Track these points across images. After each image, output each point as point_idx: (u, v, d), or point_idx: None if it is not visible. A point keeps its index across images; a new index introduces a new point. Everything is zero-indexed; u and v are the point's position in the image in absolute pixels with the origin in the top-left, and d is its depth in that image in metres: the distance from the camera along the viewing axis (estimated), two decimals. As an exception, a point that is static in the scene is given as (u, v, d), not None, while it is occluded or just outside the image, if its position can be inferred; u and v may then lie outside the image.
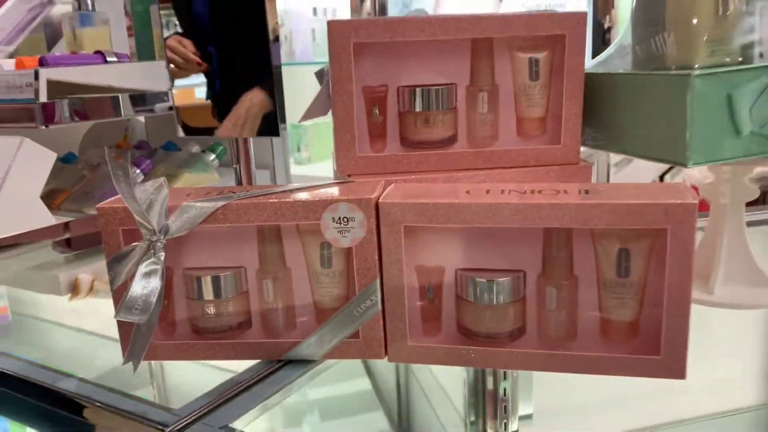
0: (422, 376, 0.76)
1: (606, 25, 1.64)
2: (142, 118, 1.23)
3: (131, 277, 0.59)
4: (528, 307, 0.59)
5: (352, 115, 0.68)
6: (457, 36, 0.66)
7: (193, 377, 0.70)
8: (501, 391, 0.64)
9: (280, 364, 0.62)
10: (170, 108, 0.85)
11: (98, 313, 0.78)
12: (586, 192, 0.56)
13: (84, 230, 0.89)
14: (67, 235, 0.86)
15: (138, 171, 0.96)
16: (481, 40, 0.68)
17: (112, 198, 0.63)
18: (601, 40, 1.61)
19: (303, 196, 0.59)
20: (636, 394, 0.64)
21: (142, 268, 0.58)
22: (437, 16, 0.69)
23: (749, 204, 0.73)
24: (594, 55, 1.35)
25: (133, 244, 0.59)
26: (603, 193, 0.56)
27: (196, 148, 1.06)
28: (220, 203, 0.59)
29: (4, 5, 1.24)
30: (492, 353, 0.59)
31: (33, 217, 0.79)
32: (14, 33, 1.08)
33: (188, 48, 0.82)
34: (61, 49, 1.16)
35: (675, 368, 0.55)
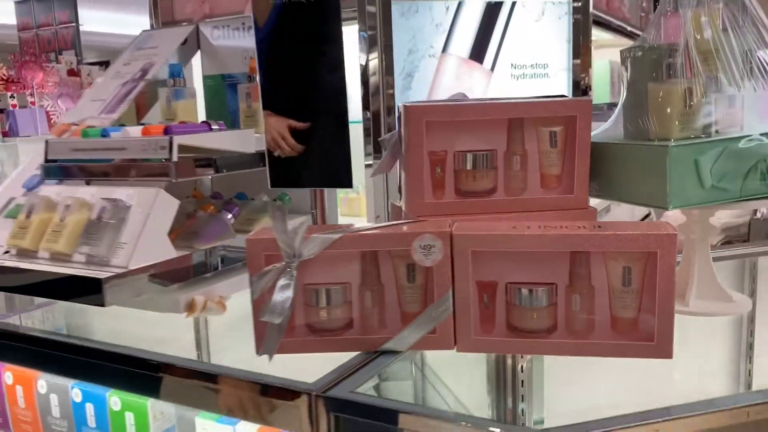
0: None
1: (583, 87, 1.94)
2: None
3: (268, 290, 0.81)
4: (558, 310, 0.83)
5: (422, 172, 0.92)
6: (498, 116, 0.91)
7: (304, 367, 0.90)
8: (519, 368, 0.86)
9: (375, 355, 0.84)
10: (263, 165, 1.08)
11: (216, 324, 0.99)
12: (598, 227, 0.80)
13: (185, 263, 1.10)
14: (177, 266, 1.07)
15: (230, 216, 1.18)
16: (515, 118, 0.93)
17: (255, 231, 0.85)
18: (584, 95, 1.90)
19: (395, 230, 0.83)
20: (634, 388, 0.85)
21: (281, 282, 0.81)
22: (484, 102, 0.94)
23: (722, 245, 0.98)
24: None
25: (273, 264, 0.81)
26: (610, 227, 0.80)
27: (265, 198, 1.28)
28: (338, 235, 0.82)
29: (96, 82, 1.48)
30: (533, 344, 0.81)
31: (163, 251, 1.01)
32: (114, 103, 1.31)
33: (287, 137, 1.05)
34: (155, 115, 1.39)
35: (665, 351, 0.78)
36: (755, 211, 3.06)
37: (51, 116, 4.67)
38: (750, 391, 0.85)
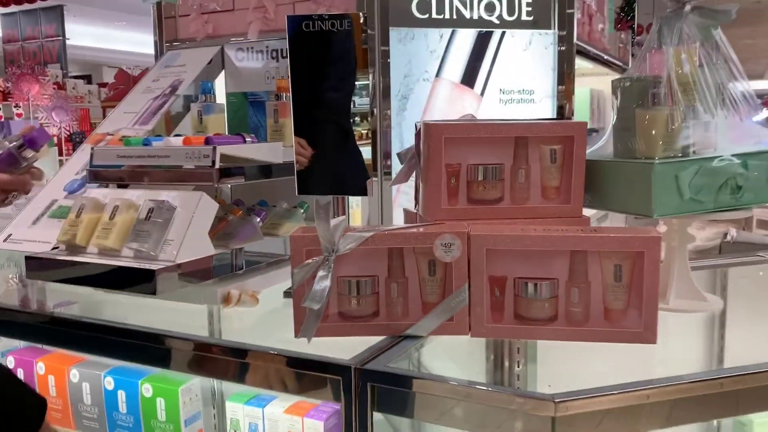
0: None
1: (566, 113, 2.10)
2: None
3: (307, 281, 0.93)
4: (559, 301, 0.96)
5: (439, 182, 1.05)
6: (506, 135, 1.05)
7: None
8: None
9: (400, 339, 0.96)
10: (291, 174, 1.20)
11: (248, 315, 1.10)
12: (594, 231, 0.94)
13: (221, 261, 1.22)
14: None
15: (258, 219, 1.29)
16: (521, 137, 1.07)
17: (298, 229, 0.97)
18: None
19: (419, 230, 0.95)
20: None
21: (320, 274, 0.93)
22: (494, 122, 1.07)
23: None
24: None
25: (313, 258, 0.94)
26: (604, 230, 0.93)
27: (286, 205, 1.40)
28: (370, 233, 0.94)
29: (127, 96, 1.59)
30: (537, 330, 0.94)
31: (204, 249, 1.12)
32: (147, 115, 1.42)
33: (307, 149, 1.18)
34: (184, 128, 1.50)
35: (650, 337, 0.91)
36: (725, 234, 3.26)
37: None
38: (721, 368, 0.98)
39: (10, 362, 1.51)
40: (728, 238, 3.25)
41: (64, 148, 5.13)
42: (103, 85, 7.31)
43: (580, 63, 2.46)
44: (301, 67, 1.15)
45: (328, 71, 1.15)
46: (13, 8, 8.09)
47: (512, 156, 1.08)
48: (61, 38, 9.19)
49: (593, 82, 3.28)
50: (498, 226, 1.00)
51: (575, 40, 2.09)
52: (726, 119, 1.04)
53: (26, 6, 8.12)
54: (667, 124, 1.01)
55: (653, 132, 1.01)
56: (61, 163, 4.87)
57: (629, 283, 0.93)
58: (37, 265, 1.17)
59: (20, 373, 1.47)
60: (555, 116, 2.09)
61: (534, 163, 1.08)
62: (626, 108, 1.08)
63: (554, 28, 2.05)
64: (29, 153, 1.05)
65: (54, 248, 1.21)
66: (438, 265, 0.97)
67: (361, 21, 1.23)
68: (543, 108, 2.16)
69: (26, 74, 4.83)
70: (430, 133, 1.04)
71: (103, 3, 10.36)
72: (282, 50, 1.63)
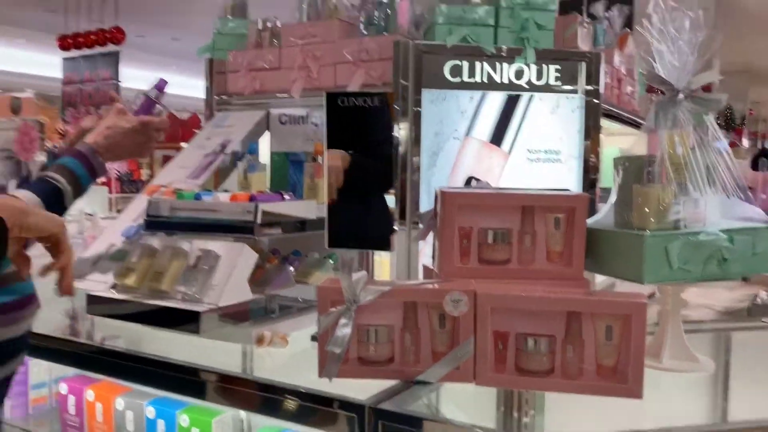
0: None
1: (591, 173, 2.20)
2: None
3: (331, 327, 1.06)
4: (556, 356, 1.06)
5: (452, 243, 1.17)
6: (515, 204, 1.18)
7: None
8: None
9: (412, 383, 1.08)
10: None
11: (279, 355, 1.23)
12: (589, 294, 1.05)
13: (257, 305, 1.36)
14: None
15: (292, 268, 1.43)
16: (528, 205, 1.19)
17: (325, 279, 1.11)
18: (589, 184, 2.16)
19: (432, 286, 1.08)
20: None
21: (342, 321, 1.06)
22: (504, 191, 1.20)
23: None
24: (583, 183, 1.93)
25: (337, 307, 1.07)
26: (598, 294, 1.04)
27: (317, 255, 1.54)
28: (388, 287, 1.07)
29: (182, 152, 1.77)
30: (535, 382, 1.05)
31: (243, 294, 1.26)
32: (198, 171, 1.59)
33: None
34: (230, 183, 1.67)
35: (637, 392, 1.01)
36: (755, 296, 3.28)
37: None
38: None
39: (62, 388, 1.66)
40: (758, 300, 3.27)
41: (113, 186, 5.41)
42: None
43: (609, 123, 2.58)
44: (336, 137, 1.30)
45: (361, 142, 1.30)
46: (74, 52, 8.58)
47: (520, 220, 1.20)
48: (115, 81, 9.69)
49: (623, 141, 3.38)
50: (504, 285, 1.12)
51: (602, 103, 2.23)
52: (715, 196, 1.15)
53: (86, 51, 8.62)
54: (660, 200, 1.12)
55: (647, 207, 1.13)
56: (109, 201, 5.14)
57: (619, 342, 1.04)
58: (97, 302, 1.33)
59: (71, 400, 1.62)
60: (581, 176, 2.20)
61: (540, 228, 1.20)
62: (625, 184, 1.20)
63: (581, 93, 2.19)
64: (160, 97, 1.37)
65: (112, 287, 1.37)
66: (447, 318, 1.09)
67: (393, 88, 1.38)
68: (569, 167, 2.28)
69: (83, 118, 5.16)
70: (445, 199, 1.17)
71: (156, 49, 10.92)
72: (320, 116, 1.80)
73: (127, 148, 1.25)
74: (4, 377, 0.78)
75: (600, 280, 1.62)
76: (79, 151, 1.18)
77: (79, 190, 1.15)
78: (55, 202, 1.08)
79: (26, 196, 1.03)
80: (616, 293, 1.06)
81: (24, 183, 1.16)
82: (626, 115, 2.86)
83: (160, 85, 1.37)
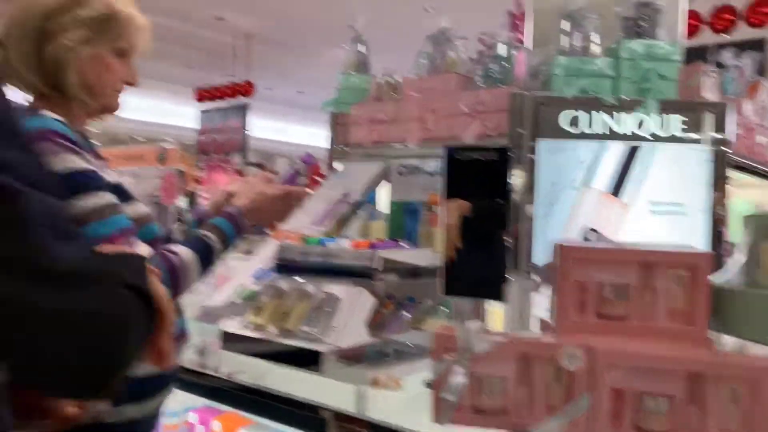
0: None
1: (719, 230, 2.09)
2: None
3: (443, 374, 1.09)
4: (675, 417, 1.03)
5: (570, 297, 1.18)
6: (635, 259, 1.17)
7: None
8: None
9: (524, 435, 1.08)
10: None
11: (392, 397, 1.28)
12: (715, 354, 1.02)
13: (374, 348, 1.41)
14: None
15: (407, 314, 1.49)
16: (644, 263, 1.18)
17: (440, 326, 1.14)
18: (717, 237, 2.05)
19: (547, 340, 1.09)
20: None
21: (457, 369, 1.09)
22: (625, 247, 1.20)
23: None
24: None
25: (451, 354, 1.10)
26: (721, 356, 1.01)
27: (431, 302, 1.59)
28: (503, 338, 1.09)
29: (308, 201, 1.90)
30: (654, 443, 1.02)
31: (361, 336, 1.33)
32: (323, 217, 1.70)
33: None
34: (351, 229, 1.77)
35: (767, 463, 0.96)
36: None
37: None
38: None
39: (191, 417, 1.79)
40: None
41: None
42: (274, 172, 8.13)
43: (738, 175, 2.45)
44: (452, 188, 1.36)
45: (478, 194, 1.34)
46: (207, 104, 9.32)
47: (640, 276, 1.19)
48: (243, 130, 10.39)
49: (755, 194, 3.20)
50: (622, 342, 1.11)
51: (731, 153, 2.13)
52: None
53: (219, 103, 9.34)
54: (788, 262, 1.08)
55: (777, 267, 1.08)
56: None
57: (746, 407, 0.99)
58: (231, 339, 1.44)
59: (199, 429, 1.74)
60: (708, 229, 2.11)
61: (660, 284, 1.17)
62: (754, 243, 1.15)
63: (708, 143, 2.11)
64: (303, 170, 1.46)
65: (244, 326, 1.48)
66: (563, 372, 1.09)
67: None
68: (694, 220, 2.18)
69: (217, 165, 5.58)
70: (563, 253, 1.18)
71: (282, 101, 11.62)
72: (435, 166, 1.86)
73: (270, 213, 1.41)
74: (156, 406, 0.87)
75: (729, 341, 1.55)
76: (230, 213, 1.35)
77: (226, 248, 1.31)
78: (207, 257, 1.26)
79: (184, 252, 1.22)
80: (743, 356, 1.02)
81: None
82: (758, 166, 2.72)
83: (307, 159, 1.49)
